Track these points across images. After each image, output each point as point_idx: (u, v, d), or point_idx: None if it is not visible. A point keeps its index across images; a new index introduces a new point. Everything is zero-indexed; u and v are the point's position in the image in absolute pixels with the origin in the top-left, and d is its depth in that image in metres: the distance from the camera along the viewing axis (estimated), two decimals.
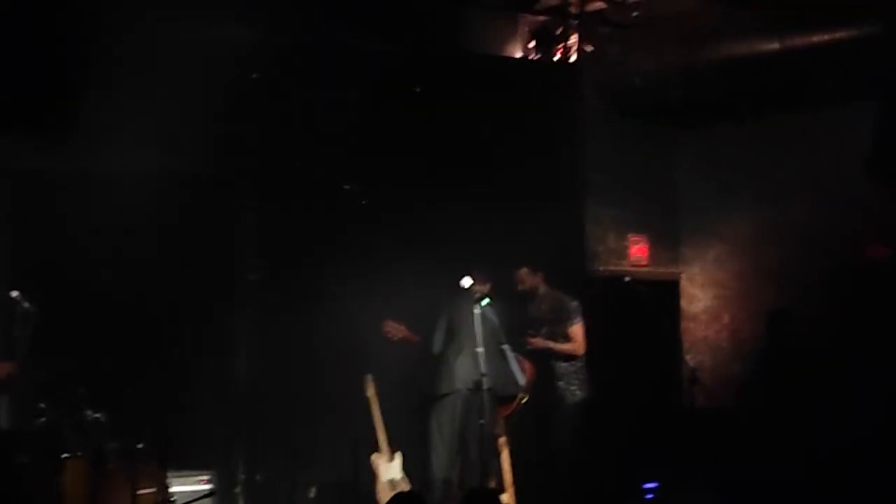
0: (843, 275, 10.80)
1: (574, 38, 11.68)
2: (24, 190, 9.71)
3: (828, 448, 10.08)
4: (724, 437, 10.66)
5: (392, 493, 9.06)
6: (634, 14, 11.32)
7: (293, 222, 10.54)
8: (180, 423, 9.39)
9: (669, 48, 11.09)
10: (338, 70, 10.33)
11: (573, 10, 11.47)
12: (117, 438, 8.66)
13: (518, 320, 10.27)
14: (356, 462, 10.31)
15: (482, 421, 9.41)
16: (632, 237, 12.12)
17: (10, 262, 9.66)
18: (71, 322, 9.40)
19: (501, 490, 9.77)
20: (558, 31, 11.70)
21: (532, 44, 11.76)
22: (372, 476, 10.03)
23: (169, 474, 8.84)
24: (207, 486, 9.54)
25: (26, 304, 8.55)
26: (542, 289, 10.47)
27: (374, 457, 10.03)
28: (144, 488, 8.57)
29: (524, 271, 10.44)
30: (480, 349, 9.38)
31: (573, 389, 10.26)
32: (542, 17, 11.60)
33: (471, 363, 9.57)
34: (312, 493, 10.25)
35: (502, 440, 9.88)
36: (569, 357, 10.28)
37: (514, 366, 9.95)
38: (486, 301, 9.57)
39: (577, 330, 10.33)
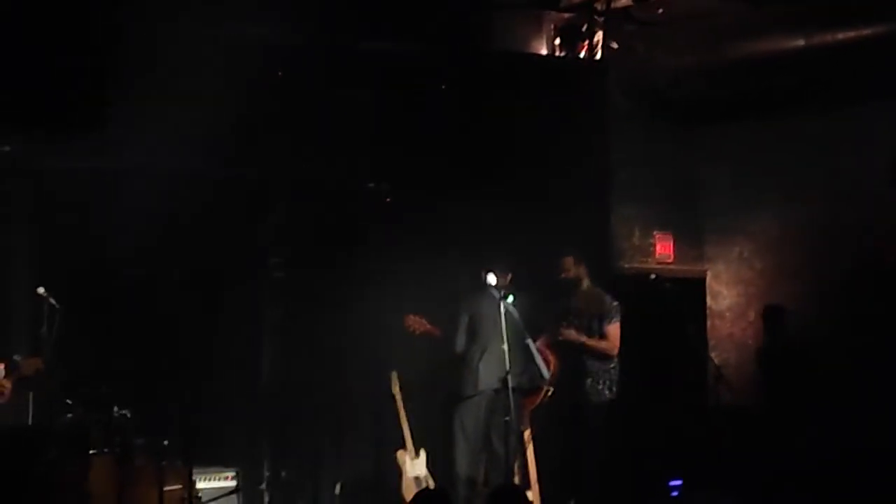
0: (866, 273, 10.77)
1: (599, 36, 11.66)
2: (48, 189, 9.76)
3: (853, 448, 10.06)
4: (749, 434, 10.64)
5: (417, 491, 9.13)
6: (660, 11, 11.29)
7: (318, 220, 10.56)
8: (206, 421, 9.41)
9: (694, 46, 11.09)
10: (362, 69, 10.34)
11: (598, 7, 11.45)
12: (144, 435, 8.71)
13: (542, 312, 10.22)
14: (381, 459, 10.34)
15: (507, 418, 9.38)
16: (657, 234, 12.11)
17: (36, 260, 9.71)
18: (97, 319, 9.46)
19: (527, 487, 9.78)
20: (584, 29, 11.69)
21: (557, 41, 11.76)
22: (397, 473, 10.06)
23: (195, 471, 8.86)
24: (233, 483, 9.59)
25: (53, 301, 8.60)
26: (586, 282, 10.39)
27: (399, 454, 10.05)
28: (170, 485, 8.60)
29: (569, 260, 10.35)
30: (505, 346, 9.35)
31: (601, 389, 10.14)
32: (567, 15, 11.59)
33: (495, 362, 9.52)
34: (338, 489, 10.27)
35: (527, 434, 9.88)
36: (602, 355, 10.19)
37: (539, 359, 9.90)
38: (510, 298, 9.55)
39: (614, 329, 10.21)
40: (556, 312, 10.28)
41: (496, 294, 9.52)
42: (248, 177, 10.42)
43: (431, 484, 9.98)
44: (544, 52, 11.71)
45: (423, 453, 10.10)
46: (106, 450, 8.49)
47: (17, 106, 8.46)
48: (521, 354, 9.67)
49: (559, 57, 11.64)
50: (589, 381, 10.16)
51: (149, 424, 8.74)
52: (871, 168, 10.78)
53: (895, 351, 10.43)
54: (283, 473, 10.33)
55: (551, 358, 10.06)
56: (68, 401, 8.58)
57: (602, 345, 10.18)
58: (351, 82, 10.32)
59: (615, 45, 11.62)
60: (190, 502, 8.71)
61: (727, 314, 12.15)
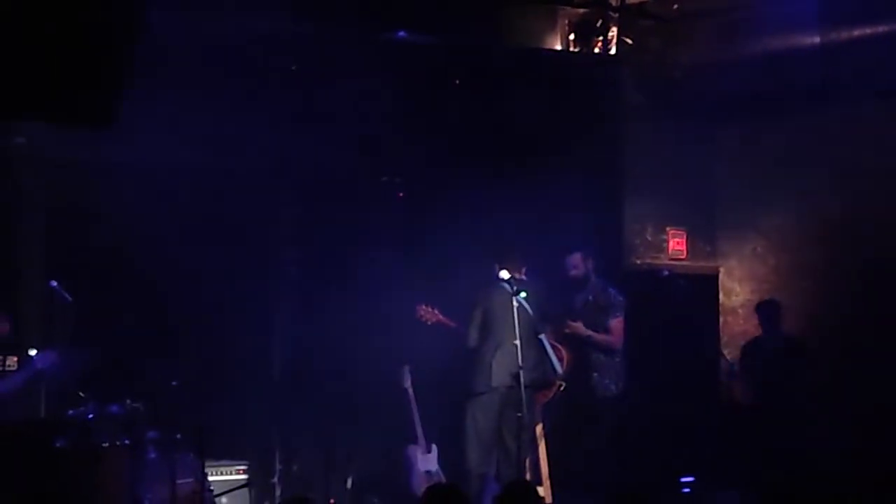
0: (881, 270, 10.73)
1: (614, 31, 11.63)
2: (62, 181, 9.76)
3: (867, 446, 10.04)
4: (761, 431, 10.62)
5: (428, 485, 9.12)
6: (675, 7, 11.28)
7: (332, 214, 10.57)
8: (218, 414, 9.42)
9: (709, 42, 11.06)
10: (377, 62, 10.33)
11: (613, 2, 11.43)
12: (156, 428, 8.73)
13: (553, 307, 10.21)
14: (393, 453, 10.35)
15: (519, 414, 9.36)
16: (670, 230, 12.08)
17: (49, 253, 9.72)
18: (109, 313, 9.47)
19: (538, 482, 9.78)
20: (598, 24, 11.65)
21: (572, 37, 11.72)
22: (408, 468, 10.07)
23: (206, 464, 8.88)
24: (244, 477, 9.61)
25: (66, 294, 8.61)
26: (593, 278, 10.44)
27: (410, 448, 10.06)
28: (182, 478, 8.63)
29: (577, 256, 10.39)
30: (517, 342, 9.33)
31: (607, 383, 10.21)
32: (582, 10, 11.56)
33: (508, 358, 9.46)
34: (349, 483, 10.28)
35: (539, 428, 9.87)
36: (606, 349, 10.27)
37: (552, 354, 9.89)
38: (523, 294, 9.53)
39: (617, 324, 10.29)
40: (565, 307, 10.32)
41: (509, 289, 9.49)
42: (262, 171, 10.43)
43: (443, 479, 9.99)
44: (559, 47, 11.68)
45: (434, 448, 10.10)
46: (118, 443, 8.49)
47: (30, 98, 8.48)
48: (535, 349, 9.64)
49: (574, 52, 11.61)
50: (595, 375, 10.21)
51: (161, 418, 8.75)
52: (886, 164, 10.74)
53: None
54: (295, 467, 10.37)
55: (564, 353, 10.07)
56: (81, 394, 8.60)
57: (606, 339, 10.25)
58: (365, 77, 10.30)
59: (630, 41, 11.58)
60: (202, 495, 8.73)
61: (740, 311, 12.10)
